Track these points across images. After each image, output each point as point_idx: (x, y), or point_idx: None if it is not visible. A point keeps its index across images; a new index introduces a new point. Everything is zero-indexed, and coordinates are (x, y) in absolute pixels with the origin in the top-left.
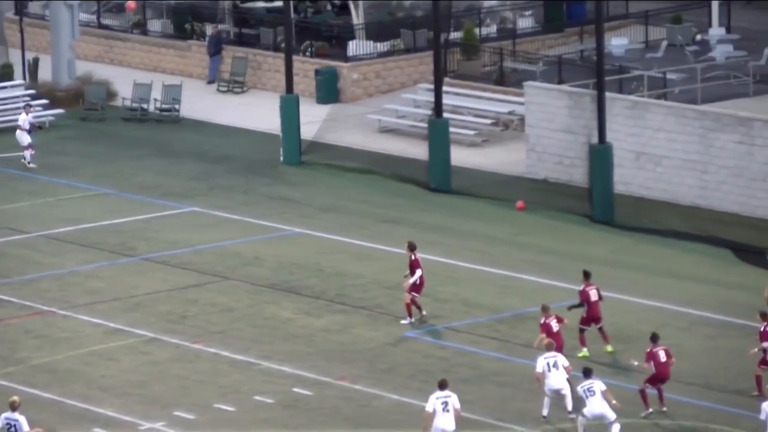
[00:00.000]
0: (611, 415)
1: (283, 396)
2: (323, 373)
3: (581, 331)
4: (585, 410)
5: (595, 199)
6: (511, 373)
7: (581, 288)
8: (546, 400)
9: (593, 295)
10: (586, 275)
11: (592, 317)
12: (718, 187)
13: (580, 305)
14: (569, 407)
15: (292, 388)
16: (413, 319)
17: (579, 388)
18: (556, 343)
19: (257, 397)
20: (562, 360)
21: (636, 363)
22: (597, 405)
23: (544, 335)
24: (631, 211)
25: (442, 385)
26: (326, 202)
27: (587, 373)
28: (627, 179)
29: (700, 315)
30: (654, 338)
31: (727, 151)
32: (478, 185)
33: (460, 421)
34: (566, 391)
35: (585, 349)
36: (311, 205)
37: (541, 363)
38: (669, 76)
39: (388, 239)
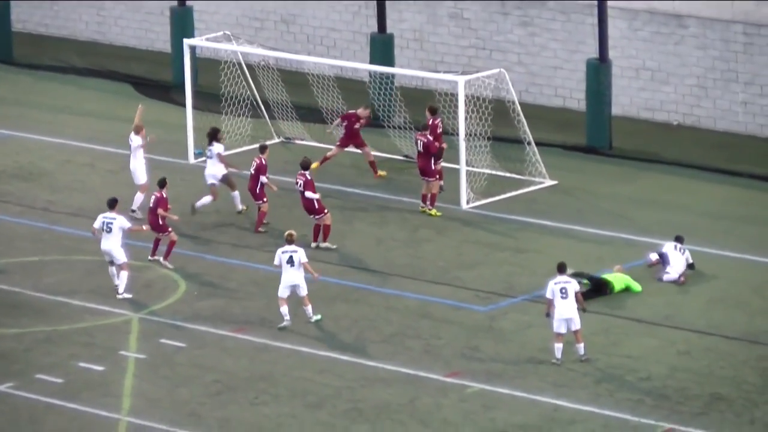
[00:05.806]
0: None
1: None
2: None
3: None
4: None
5: None
6: None
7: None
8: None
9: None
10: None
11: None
12: (115, 21)
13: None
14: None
15: None
16: None
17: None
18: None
19: None
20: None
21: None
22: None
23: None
24: (30, 48)
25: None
26: None
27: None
28: (26, 18)
29: (102, 150)
30: (161, 184)
31: None
32: None
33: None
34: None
35: None
36: None
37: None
38: None
39: None
